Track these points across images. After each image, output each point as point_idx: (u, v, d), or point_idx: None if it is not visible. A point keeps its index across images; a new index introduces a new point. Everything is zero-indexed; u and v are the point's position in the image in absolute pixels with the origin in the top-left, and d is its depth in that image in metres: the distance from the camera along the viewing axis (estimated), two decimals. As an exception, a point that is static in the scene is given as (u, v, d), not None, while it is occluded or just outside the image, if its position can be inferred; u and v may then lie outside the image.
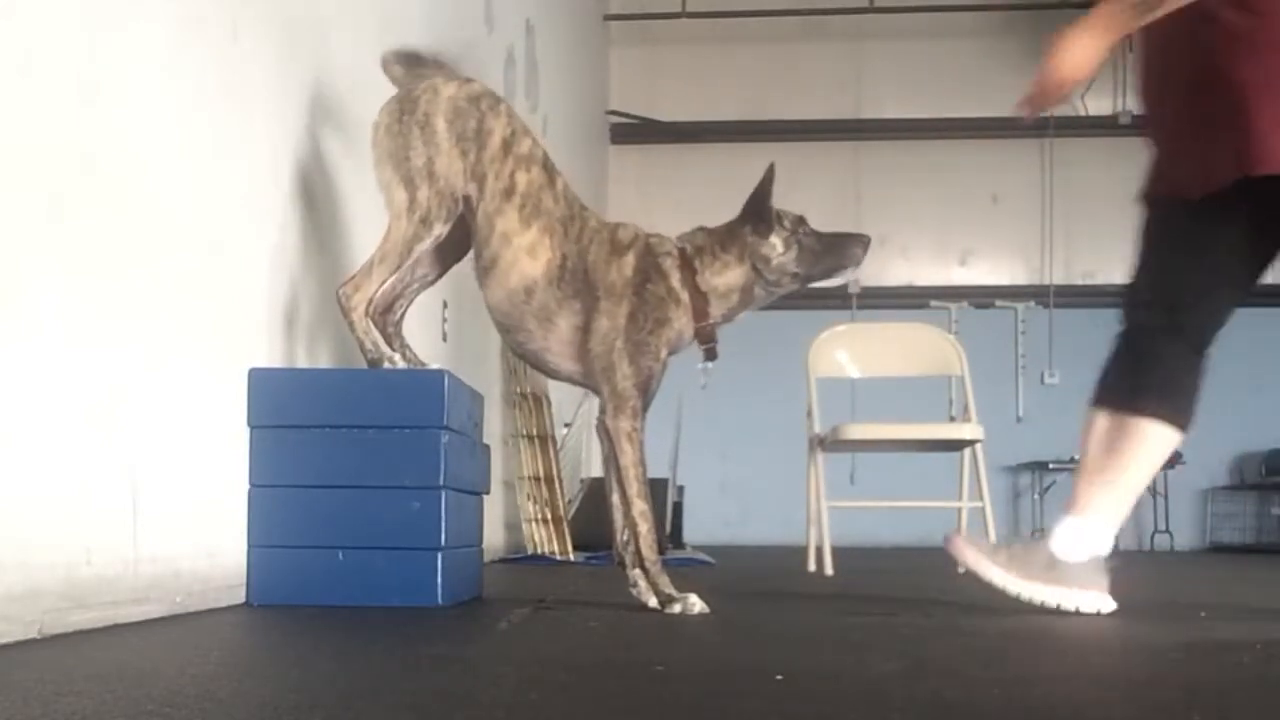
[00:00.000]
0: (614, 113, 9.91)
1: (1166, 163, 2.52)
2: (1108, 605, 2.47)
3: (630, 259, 2.39)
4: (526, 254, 2.38)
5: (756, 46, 9.92)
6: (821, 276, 2.46)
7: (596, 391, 2.43)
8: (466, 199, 2.41)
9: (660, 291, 2.37)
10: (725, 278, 2.41)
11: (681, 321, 2.39)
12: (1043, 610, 2.44)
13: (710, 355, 2.47)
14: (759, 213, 2.39)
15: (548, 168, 2.46)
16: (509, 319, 2.43)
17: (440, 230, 2.38)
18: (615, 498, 2.43)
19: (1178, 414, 2.47)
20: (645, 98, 9.93)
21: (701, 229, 2.46)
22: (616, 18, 9.88)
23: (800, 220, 2.44)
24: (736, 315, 2.47)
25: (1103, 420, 2.51)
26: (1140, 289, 2.53)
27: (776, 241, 2.40)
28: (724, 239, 2.42)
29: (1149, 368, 2.48)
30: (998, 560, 2.47)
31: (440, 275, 2.58)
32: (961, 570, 2.53)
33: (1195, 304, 2.46)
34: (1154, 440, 2.47)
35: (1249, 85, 2.34)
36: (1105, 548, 2.50)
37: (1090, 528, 2.49)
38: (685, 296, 2.39)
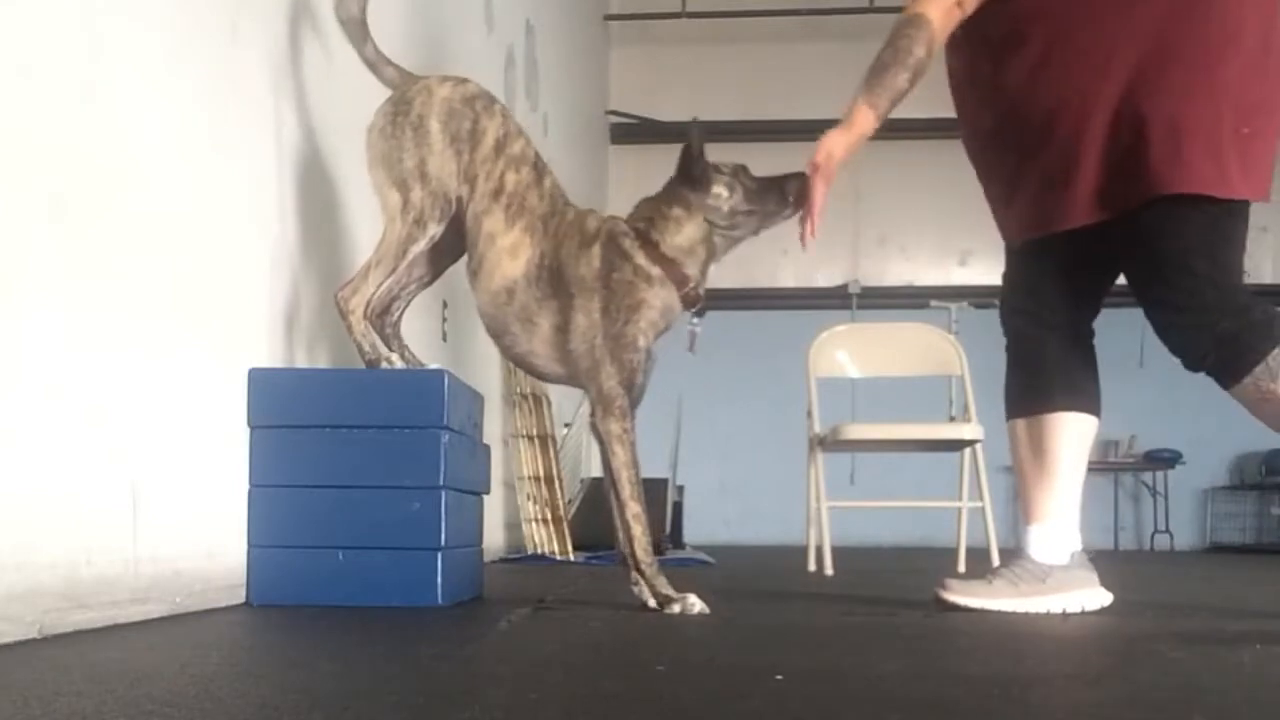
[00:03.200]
0: (614, 113, 9.92)
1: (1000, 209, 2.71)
2: (1107, 598, 2.53)
3: (596, 249, 2.37)
4: (508, 254, 2.38)
5: (756, 46, 9.93)
6: (770, 215, 2.44)
7: (585, 391, 2.43)
8: (459, 200, 2.41)
9: (628, 275, 2.35)
10: (684, 233, 2.39)
11: (661, 297, 2.37)
12: (1049, 616, 2.44)
13: (698, 313, 2.47)
14: (692, 172, 2.39)
15: (538, 167, 2.46)
16: (495, 323, 2.42)
17: (434, 231, 2.38)
18: (613, 497, 2.42)
19: (1084, 400, 2.60)
20: (645, 98, 9.94)
21: (644, 200, 2.45)
22: (616, 18, 9.89)
23: (740, 167, 2.44)
24: (707, 269, 2.45)
25: (1021, 429, 2.62)
26: (1014, 299, 2.72)
27: (720, 189, 2.40)
28: (668, 199, 2.42)
29: (1041, 367, 2.61)
30: (996, 591, 2.50)
31: (436, 276, 2.58)
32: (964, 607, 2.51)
33: (1059, 310, 2.61)
34: (1072, 430, 2.58)
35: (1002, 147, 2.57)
36: (1076, 543, 2.56)
37: (1055, 530, 2.55)
38: (656, 271, 2.37)
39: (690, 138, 2.39)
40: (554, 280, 2.36)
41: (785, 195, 2.44)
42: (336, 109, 2.84)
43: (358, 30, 2.52)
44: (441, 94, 2.42)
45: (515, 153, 2.44)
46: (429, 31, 3.94)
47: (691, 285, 2.40)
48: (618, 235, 2.39)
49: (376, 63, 2.50)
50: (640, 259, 2.36)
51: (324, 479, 2.31)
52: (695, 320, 2.49)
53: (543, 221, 2.40)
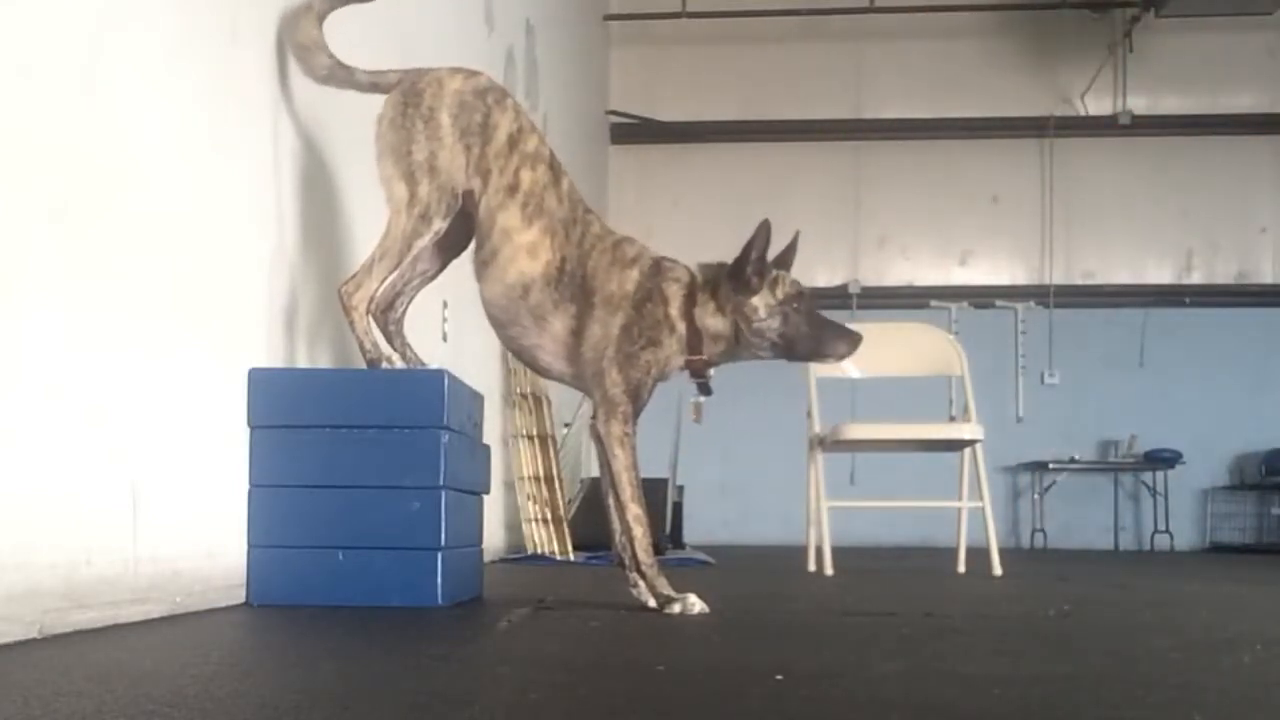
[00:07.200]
0: (614, 113, 9.91)
1: None
2: None
3: (634, 274, 2.38)
4: (526, 252, 2.38)
5: (756, 46, 9.92)
6: (804, 357, 2.45)
7: (588, 394, 2.43)
8: (468, 193, 2.41)
9: (658, 315, 2.36)
10: (712, 321, 2.39)
11: (672, 349, 2.38)
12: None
13: (704, 390, 2.47)
14: (741, 270, 2.36)
15: (554, 167, 2.45)
16: (504, 314, 2.43)
17: (440, 226, 2.38)
18: (612, 499, 2.43)
19: None
20: (645, 98, 9.93)
21: (721, 264, 2.41)
22: (616, 18, 9.88)
23: (799, 295, 2.41)
24: (727, 361, 2.45)
25: None
26: None
27: (759, 304, 2.38)
28: (715, 283, 2.39)
29: None
30: None
31: (440, 270, 2.58)
32: None
33: None
34: None
35: None
36: None
37: None
38: (681, 327, 2.38)
39: (754, 236, 2.35)
40: (574, 286, 2.37)
41: (825, 351, 2.43)
42: (336, 109, 2.84)
43: (339, 73, 2.53)
44: (453, 86, 2.42)
45: (530, 150, 2.43)
46: (429, 31, 3.94)
47: (701, 359, 2.40)
48: (667, 277, 2.39)
49: (374, 81, 2.50)
50: (673, 309, 2.38)
51: (324, 479, 2.31)
52: (700, 397, 2.48)
53: (563, 226, 2.40)
